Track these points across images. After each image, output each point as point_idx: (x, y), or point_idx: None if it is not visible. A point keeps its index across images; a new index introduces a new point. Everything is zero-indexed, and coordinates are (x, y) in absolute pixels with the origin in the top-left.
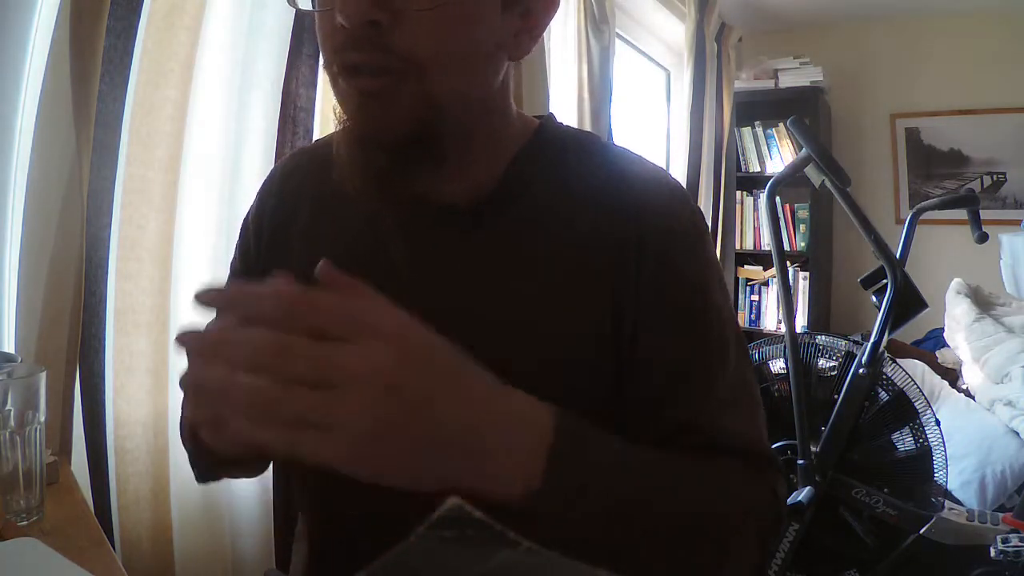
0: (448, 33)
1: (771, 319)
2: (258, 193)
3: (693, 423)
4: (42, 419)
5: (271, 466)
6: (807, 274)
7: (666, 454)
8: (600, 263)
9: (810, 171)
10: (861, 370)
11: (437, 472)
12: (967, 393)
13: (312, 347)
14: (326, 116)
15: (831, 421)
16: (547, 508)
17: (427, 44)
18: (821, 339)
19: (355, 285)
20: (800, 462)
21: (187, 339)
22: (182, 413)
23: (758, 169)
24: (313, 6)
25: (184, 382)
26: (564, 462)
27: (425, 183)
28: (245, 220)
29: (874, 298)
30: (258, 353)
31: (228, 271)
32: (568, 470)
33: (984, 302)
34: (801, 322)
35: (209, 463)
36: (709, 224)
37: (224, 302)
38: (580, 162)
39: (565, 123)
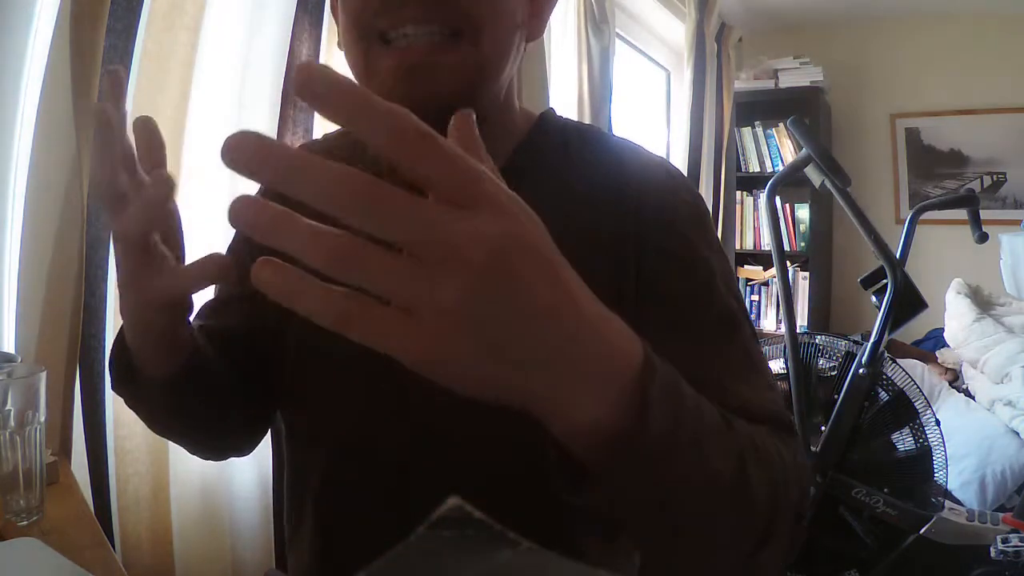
0: None
1: (771, 319)
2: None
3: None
4: (42, 419)
5: (270, 467)
6: (807, 274)
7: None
8: (599, 258)
9: (810, 171)
10: (861, 370)
11: (522, 385)
12: (967, 393)
13: (416, 203)
14: None
15: (831, 421)
16: (634, 449)
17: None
18: (821, 339)
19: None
20: None
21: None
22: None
23: (758, 169)
24: None
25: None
26: (659, 399)
27: None
28: None
29: (874, 298)
30: (345, 193)
31: (227, 253)
32: (661, 409)
33: (984, 302)
34: (801, 322)
35: (130, 368)
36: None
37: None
38: (581, 153)
39: (565, 116)
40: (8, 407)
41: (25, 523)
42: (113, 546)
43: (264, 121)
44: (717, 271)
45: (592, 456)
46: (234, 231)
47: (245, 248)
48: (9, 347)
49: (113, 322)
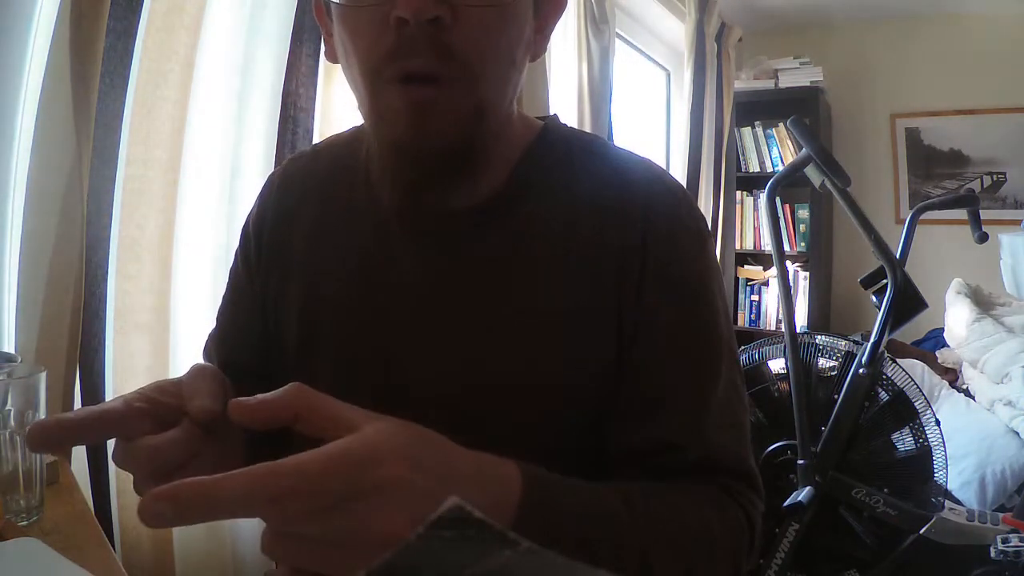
0: (501, 33)
1: (771, 319)
2: (258, 198)
3: (681, 441)
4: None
5: None
6: (807, 274)
7: (635, 500)
8: (603, 268)
9: (810, 171)
10: (861, 370)
11: None
12: (967, 393)
13: (323, 519)
14: (326, 116)
15: (831, 421)
16: None
17: (483, 44)
18: (821, 339)
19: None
20: (800, 462)
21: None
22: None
23: (758, 169)
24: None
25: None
26: (530, 522)
27: (455, 190)
28: (245, 226)
29: (874, 298)
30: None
31: (228, 277)
32: (533, 529)
33: (984, 302)
34: (801, 322)
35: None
36: (709, 224)
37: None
38: (585, 165)
39: (568, 124)
40: (8, 407)
41: (25, 523)
42: (113, 546)
43: (263, 121)
44: (712, 305)
45: None
46: (234, 256)
47: (246, 276)
48: (9, 347)
49: (113, 322)
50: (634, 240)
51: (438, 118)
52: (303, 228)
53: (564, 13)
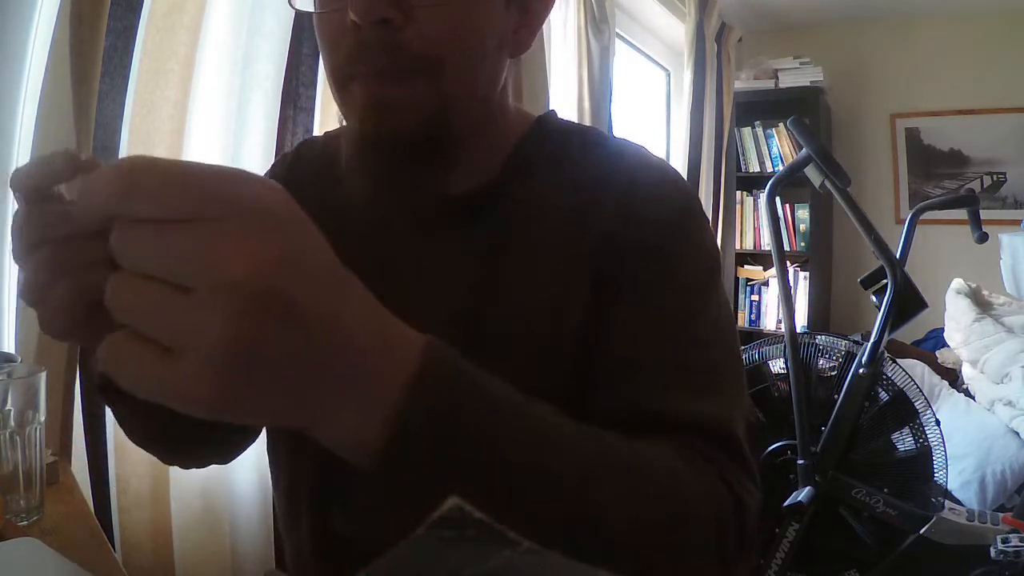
0: (458, 29)
1: (771, 319)
2: (269, 170)
3: (654, 405)
4: (42, 419)
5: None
6: (807, 274)
7: (590, 427)
8: (584, 252)
9: (810, 171)
10: (861, 370)
11: (297, 405)
12: (967, 393)
13: (169, 235)
14: (326, 116)
15: (831, 421)
16: (409, 453)
17: (439, 41)
18: (821, 339)
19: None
20: (800, 462)
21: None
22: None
23: (758, 169)
24: (314, 7)
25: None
26: (430, 393)
27: (429, 181)
28: None
29: (874, 298)
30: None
31: None
32: (435, 403)
33: (984, 302)
34: (801, 322)
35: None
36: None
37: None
38: (580, 153)
39: (566, 118)
40: (8, 407)
41: (25, 523)
42: (113, 546)
43: (263, 121)
44: (691, 271)
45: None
46: None
47: None
48: (9, 347)
49: None
50: (618, 210)
51: (398, 114)
52: (307, 211)
53: (565, 14)
